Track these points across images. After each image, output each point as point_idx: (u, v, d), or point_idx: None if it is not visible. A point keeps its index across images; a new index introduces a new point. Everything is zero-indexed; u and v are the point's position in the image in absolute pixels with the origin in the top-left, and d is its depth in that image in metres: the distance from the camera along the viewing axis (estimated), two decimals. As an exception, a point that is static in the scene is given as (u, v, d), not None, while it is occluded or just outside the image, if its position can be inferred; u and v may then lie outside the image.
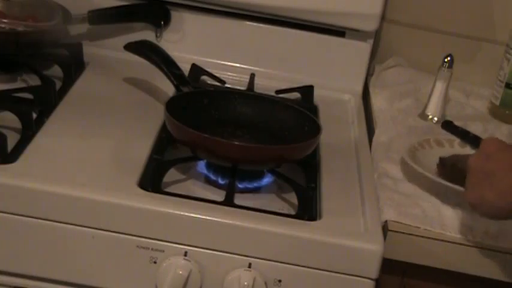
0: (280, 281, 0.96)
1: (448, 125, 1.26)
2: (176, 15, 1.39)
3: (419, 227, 1.02)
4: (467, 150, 1.18)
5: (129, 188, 0.98)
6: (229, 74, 1.37)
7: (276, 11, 1.36)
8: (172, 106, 1.06)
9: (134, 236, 0.95)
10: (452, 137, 1.22)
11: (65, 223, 0.95)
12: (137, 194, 0.97)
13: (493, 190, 0.90)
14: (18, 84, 1.22)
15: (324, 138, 1.12)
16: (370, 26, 1.36)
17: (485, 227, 1.03)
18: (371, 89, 1.40)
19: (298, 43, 1.39)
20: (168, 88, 1.23)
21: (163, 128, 1.10)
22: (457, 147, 1.19)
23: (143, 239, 0.95)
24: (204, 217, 0.95)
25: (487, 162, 0.92)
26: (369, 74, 1.43)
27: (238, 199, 1.00)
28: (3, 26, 1.22)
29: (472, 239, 1.01)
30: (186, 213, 0.95)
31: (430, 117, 1.31)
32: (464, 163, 0.96)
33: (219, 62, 1.38)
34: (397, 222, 1.02)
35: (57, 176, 0.97)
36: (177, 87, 1.19)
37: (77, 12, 1.31)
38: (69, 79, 1.24)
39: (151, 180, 0.99)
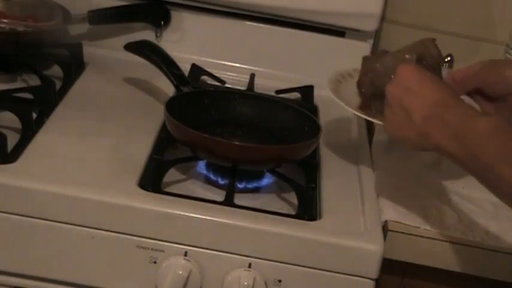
0: (280, 281, 0.96)
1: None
2: (176, 15, 1.39)
3: (419, 227, 1.02)
4: None
5: (129, 188, 0.98)
6: (229, 74, 1.37)
7: (276, 11, 1.36)
8: (172, 106, 1.06)
9: (134, 236, 0.95)
10: None
11: (65, 223, 0.95)
12: (137, 194, 0.97)
13: (414, 130, 0.87)
14: (18, 84, 1.22)
15: (324, 138, 1.12)
16: (370, 26, 1.36)
17: (485, 227, 1.03)
18: (371, 89, 1.40)
19: (298, 43, 1.39)
20: (168, 88, 1.23)
21: (163, 128, 1.10)
22: None
23: (143, 239, 0.95)
24: (204, 217, 0.95)
25: (405, 95, 0.88)
26: (369, 74, 1.42)
27: (238, 199, 1.00)
28: (3, 26, 1.22)
29: (472, 239, 1.01)
30: (186, 213, 0.95)
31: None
32: (382, 81, 0.92)
33: (219, 62, 1.38)
34: (397, 222, 1.02)
35: (57, 176, 0.97)
36: (177, 87, 1.19)
37: (77, 12, 1.31)
38: (69, 79, 1.24)
39: (151, 180, 0.99)
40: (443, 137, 0.84)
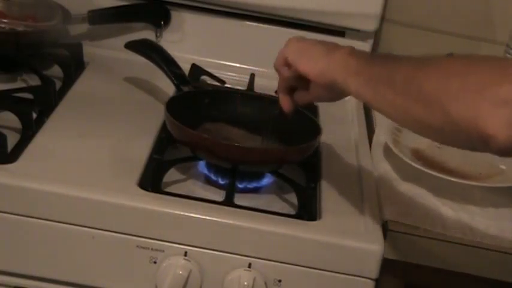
0: (280, 281, 0.96)
1: None
2: (176, 15, 1.39)
3: (419, 227, 1.02)
4: None
5: (129, 188, 0.98)
6: (229, 74, 1.37)
7: (276, 11, 1.36)
8: (172, 106, 1.06)
9: (134, 236, 0.95)
10: None
11: (65, 223, 0.95)
12: (137, 194, 0.97)
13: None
14: (18, 84, 1.22)
15: (324, 138, 1.12)
16: (370, 26, 1.37)
17: (485, 227, 1.03)
18: (371, 89, 1.40)
19: (298, 43, 1.38)
20: (168, 88, 1.23)
21: (163, 128, 1.10)
22: None
23: (143, 239, 0.95)
24: (204, 217, 0.95)
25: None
26: (369, 74, 1.42)
27: (238, 199, 1.00)
28: (3, 26, 1.22)
29: (472, 239, 1.01)
30: (186, 213, 0.95)
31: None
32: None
33: (219, 62, 1.38)
34: (397, 222, 1.02)
35: (57, 176, 0.97)
36: (177, 86, 1.19)
37: (77, 12, 1.31)
38: (69, 79, 1.24)
39: (151, 180, 0.99)
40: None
